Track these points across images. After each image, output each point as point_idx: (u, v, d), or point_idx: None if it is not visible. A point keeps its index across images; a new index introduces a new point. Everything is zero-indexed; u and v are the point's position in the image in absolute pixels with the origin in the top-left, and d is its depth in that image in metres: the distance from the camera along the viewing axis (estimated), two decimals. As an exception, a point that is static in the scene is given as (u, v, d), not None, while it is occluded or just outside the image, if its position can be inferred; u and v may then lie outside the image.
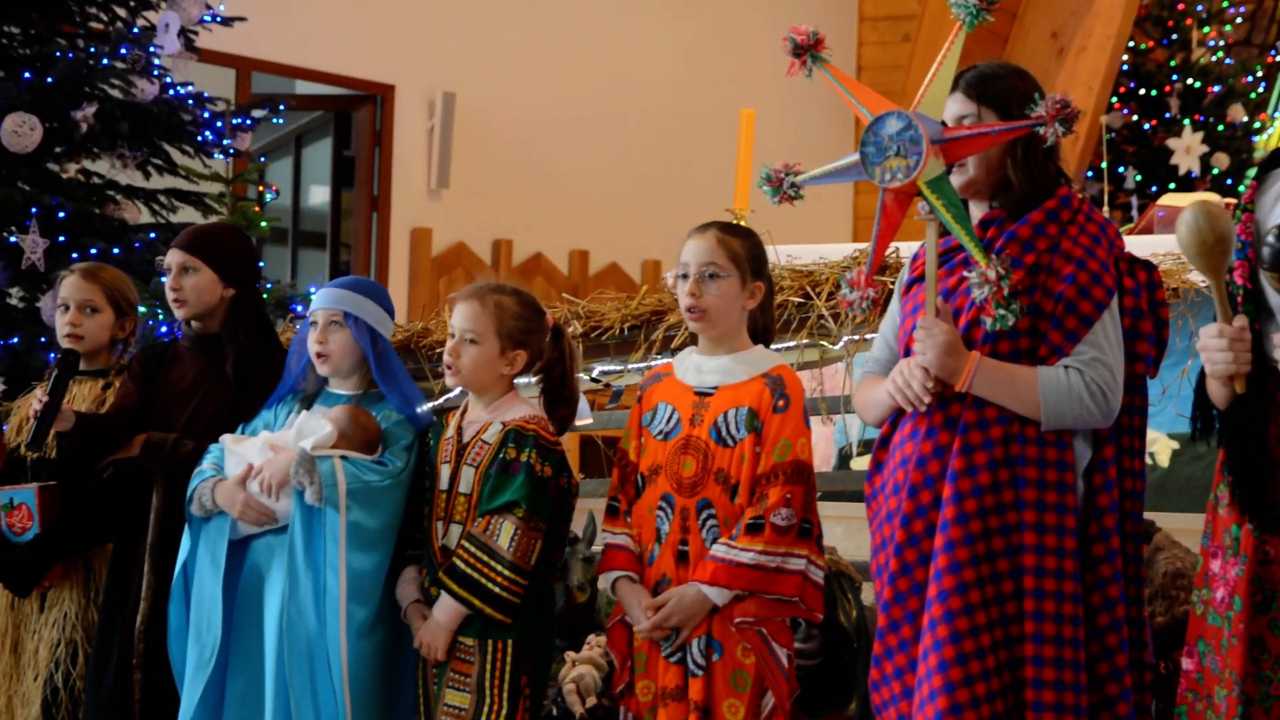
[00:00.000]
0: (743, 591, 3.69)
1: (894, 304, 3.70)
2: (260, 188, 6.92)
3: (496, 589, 3.80)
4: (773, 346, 4.01)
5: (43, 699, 4.43)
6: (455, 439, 3.99)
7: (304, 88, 11.37)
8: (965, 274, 3.39)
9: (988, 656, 3.30)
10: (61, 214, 6.81)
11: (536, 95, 11.68)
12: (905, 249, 4.14)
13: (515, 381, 4.03)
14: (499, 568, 3.80)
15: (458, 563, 3.84)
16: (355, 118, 11.27)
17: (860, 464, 6.45)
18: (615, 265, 12.01)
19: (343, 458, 3.95)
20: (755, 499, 3.70)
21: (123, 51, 7.14)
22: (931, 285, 3.42)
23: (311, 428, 4.00)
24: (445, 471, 3.97)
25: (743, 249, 3.83)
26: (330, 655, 3.84)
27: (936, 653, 3.30)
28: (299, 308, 6.62)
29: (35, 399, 4.23)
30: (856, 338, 4.64)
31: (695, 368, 3.89)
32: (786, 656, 3.74)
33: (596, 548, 4.43)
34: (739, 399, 3.78)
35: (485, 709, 3.80)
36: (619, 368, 5.14)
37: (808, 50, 3.58)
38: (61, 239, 6.81)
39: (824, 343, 4.77)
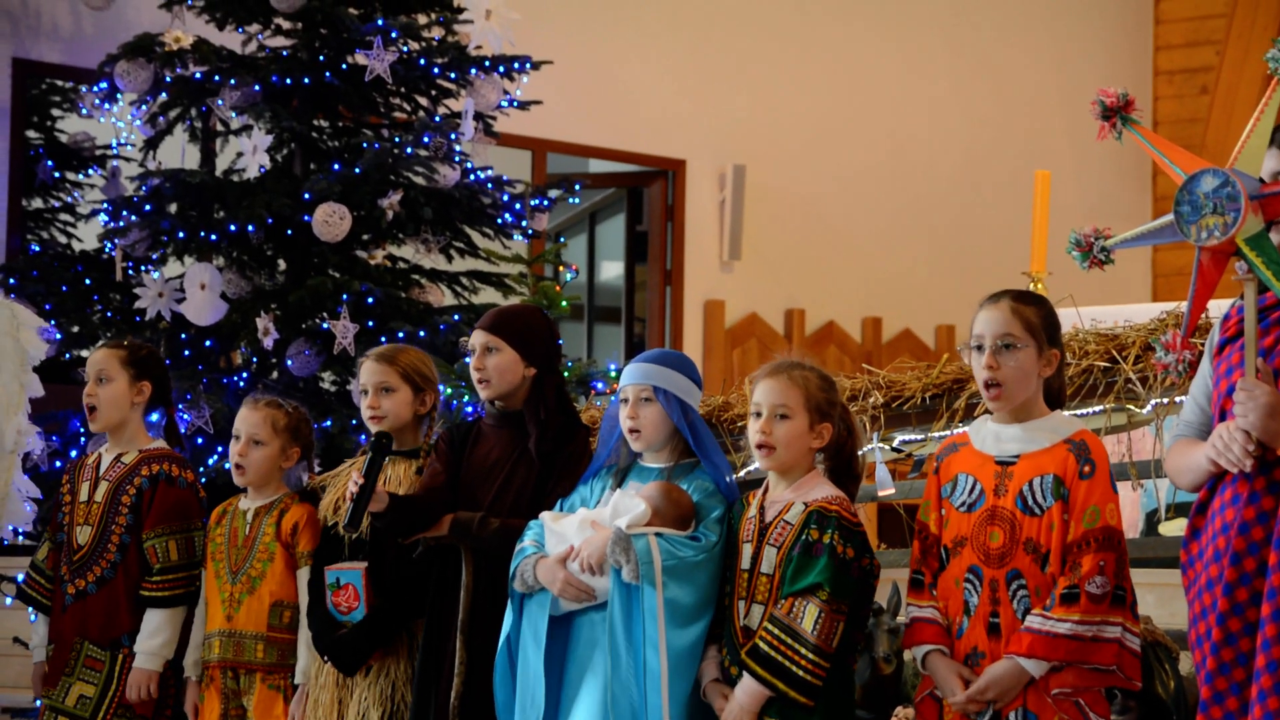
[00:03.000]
0: (1059, 662, 3.61)
1: (1204, 365, 3.60)
2: (559, 267, 7.06)
3: (800, 672, 3.78)
4: (1078, 412, 3.93)
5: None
6: (758, 518, 3.98)
7: (597, 166, 11.55)
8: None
9: (1321, 729, 3.17)
10: (370, 299, 7.02)
11: (825, 164, 11.69)
12: (1214, 308, 4.03)
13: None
14: (803, 650, 3.78)
15: (761, 644, 3.82)
16: (647, 193, 11.41)
17: (1170, 529, 6.26)
18: (909, 331, 11.91)
19: (657, 534, 3.97)
20: (1068, 568, 3.62)
21: (425, 139, 7.36)
22: (1251, 345, 3.31)
23: (626, 506, 4.03)
24: (747, 550, 3.96)
25: (1037, 317, 3.77)
26: (655, 732, 3.86)
27: (1268, 727, 3.18)
28: (599, 385, 6.72)
29: (351, 481, 4.34)
30: (1165, 401, 4.51)
31: (994, 436, 3.82)
32: (1104, 728, 3.64)
33: (901, 619, 4.37)
34: (1043, 467, 3.70)
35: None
36: (920, 437, 5.08)
37: (1117, 112, 3.52)
38: (370, 324, 7.02)
39: (1131, 407, 4.66)
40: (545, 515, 4.19)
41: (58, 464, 5.23)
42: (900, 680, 4.87)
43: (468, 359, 4.54)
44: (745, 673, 3.83)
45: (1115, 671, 3.64)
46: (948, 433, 4.81)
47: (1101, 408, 4.59)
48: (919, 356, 10.79)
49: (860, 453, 4.13)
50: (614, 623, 3.92)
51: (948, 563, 3.80)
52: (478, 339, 4.48)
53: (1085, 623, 3.58)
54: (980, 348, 3.76)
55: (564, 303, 6.96)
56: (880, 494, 4.95)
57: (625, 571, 3.92)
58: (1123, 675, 3.65)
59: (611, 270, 12.13)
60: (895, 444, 5.20)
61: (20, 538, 5.17)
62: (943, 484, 3.87)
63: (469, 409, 6.22)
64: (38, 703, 5.00)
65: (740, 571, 3.95)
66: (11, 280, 7.87)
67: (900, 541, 7.54)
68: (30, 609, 5.08)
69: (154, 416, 5.21)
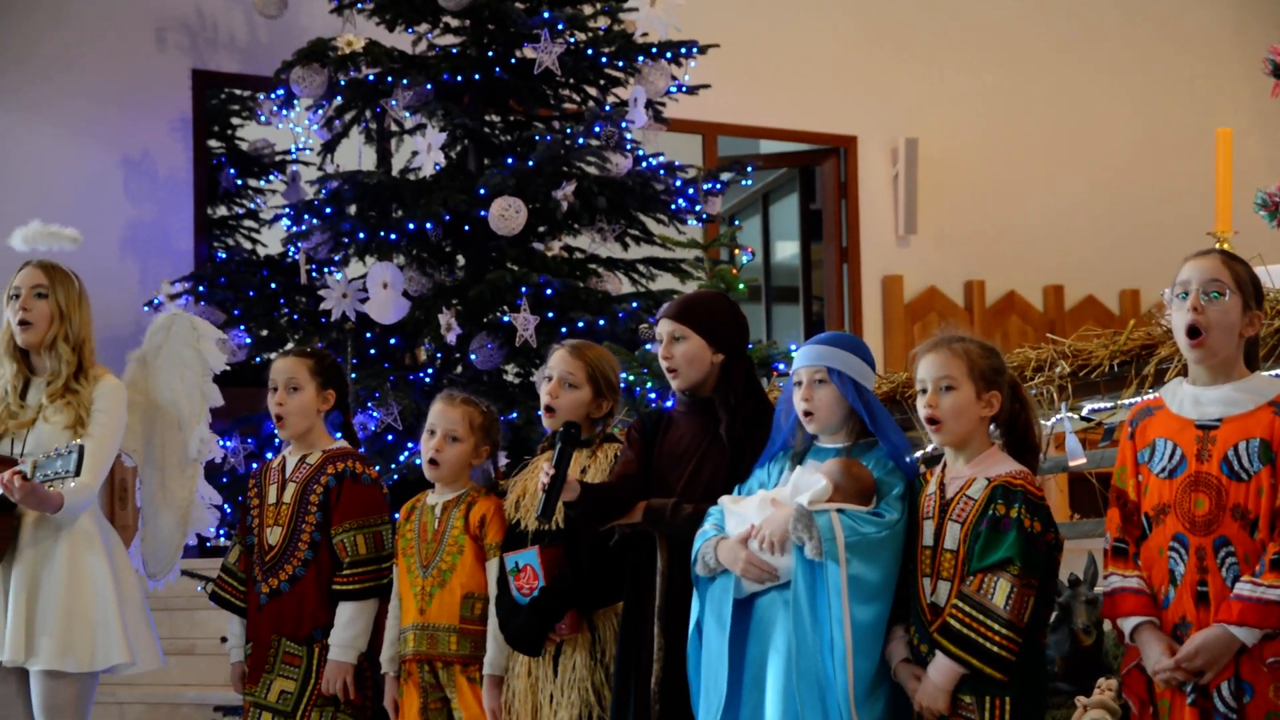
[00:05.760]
0: (1272, 630, 3.52)
1: None
2: (735, 250, 7.06)
3: (994, 648, 3.73)
4: (1274, 372, 3.83)
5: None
6: (938, 494, 3.94)
7: (768, 146, 11.54)
8: None
9: None
10: (549, 290, 7.06)
11: (998, 132, 11.56)
12: None
13: None
14: (995, 626, 3.73)
15: (952, 622, 3.79)
16: (820, 171, 11.37)
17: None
18: (1092, 298, 11.74)
19: (839, 510, 3.95)
20: (1278, 533, 3.54)
21: (596, 129, 7.40)
22: None
23: (806, 483, 4.01)
24: (929, 527, 3.92)
25: (1246, 274, 3.69)
26: (841, 709, 3.85)
27: None
28: (779, 365, 6.70)
29: (542, 472, 4.37)
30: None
31: (1193, 400, 3.74)
32: (1319, 696, 3.56)
33: (1099, 589, 4.30)
34: (1249, 430, 3.62)
35: (985, 765, 3.75)
36: (1109, 405, 4.99)
37: (1289, 69, 3.43)
38: (550, 315, 7.07)
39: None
40: (725, 499, 4.19)
41: (254, 465, 5.34)
42: (1101, 651, 4.80)
43: (649, 346, 4.55)
44: (938, 651, 3.80)
45: (1332, 638, 3.55)
46: (1138, 399, 4.72)
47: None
48: (1104, 323, 10.62)
49: (1040, 423, 4.07)
50: (798, 599, 3.91)
51: (1150, 531, 3.73)
52: (664, 328, 4.48)
53: (1297, 589, 3.50)
54: (1185, 294, 3.69)
55: (741, 285, 6.94)
56: (1071, 464, 4.87)
57: (808, 548, 3.90)
58: (1340, 641, 3.56)
59: (786, 250, 12.11)
60: (1084, 413, 5.12)
61: (222, 538, 5.28)
62: (1139, 449, 3.80)
63: (651, 396, 6.23)
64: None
65: (923, 548, 3.92)
66: (200, 287, 8.05)
67: (1094, 511, 7.44)
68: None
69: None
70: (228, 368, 5.28)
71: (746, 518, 4.06)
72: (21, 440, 4.83)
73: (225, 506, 5.46)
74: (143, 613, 4.94)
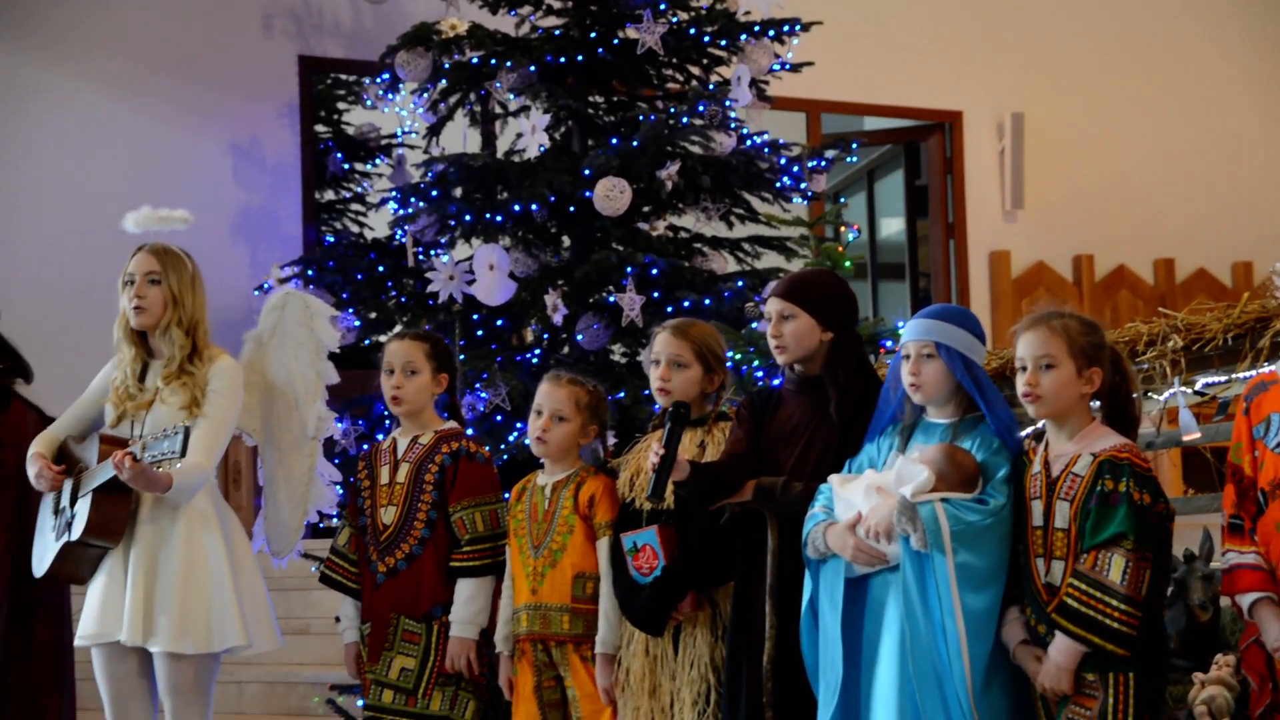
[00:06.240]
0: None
1: None
2: (841, 227, 7.03)
3: (1113, 624, 3.71)
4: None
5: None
6: (1043, 474, 3.92)
7: (872, 123, 11.49)
8: None
9: None
10: (654, 270, 7.07)
11: (1105, 104, 11.44)
12: None
13: None
14: (1113, 602, 3.71)
15: (1070, 601, 3.76)
16: (925, 147, 11.31)
17: None
18: (1203, 271, 11.60)
19: (943, 499, 3.94)
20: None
21: (700, 108, 7.39)
22: None
23: (909, 473, 3.99)
24: (1037, 508, 3.90)
25: None
26: (960, 697, 3.83)
27: None
28: (887, 343, 6.67)
29: (651, 452, 4.38)
30: None
31: (1309, 374, 3.70)
32: None
33: (1215, 564, 4.26)
34: (1369, 402, 3.57)
35: (1111, 742, 3.72)
36: (1224, 379, 4.93)
37: None
38: (656, 294, 7.07)
39: None
40: (834, 478, 4.19)
41: (364, 446, 5.39)
42: (1218, 627, 4.76)
43: (755, 325, 4.54)
44: (1057, 631, 3.78)
45: None
46: (1252, 373, 4.67)
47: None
48: (1216, 296, 10.47)
49: (1140, 396, 4.03)
50: (908, 589, 3.90)
51: (1266, 506, 3.69)
52: (773, 306, 4.47)
53: None
54: None
55: (847, 263, 6.91)
56: (1185, 439, 4.83)
57: (913, 540, 3.89)
58: None
59: (892, 226, 12.05)
60: (1198, 387, 5.06)
61: (335, 519, 5.33)
62: (1254, 425, 3.76)
63: (758, 375, 6.23)
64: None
65: (1033, 529, 3.90)
66: (310, 271, 8.13)
67: (1208, 486, 7.35)
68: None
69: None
70: (338, 349, 5.33)
71: (853, 504, 4.06)
72: (140, 422, 4.91)
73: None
74: (260, 594, 5.00)
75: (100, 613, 4.84)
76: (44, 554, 4.98)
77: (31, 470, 4.96)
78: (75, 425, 5.07)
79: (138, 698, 4.95)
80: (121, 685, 4.94)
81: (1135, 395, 3.99)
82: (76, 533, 4.80)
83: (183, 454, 4.50)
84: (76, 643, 4.93)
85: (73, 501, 4.85)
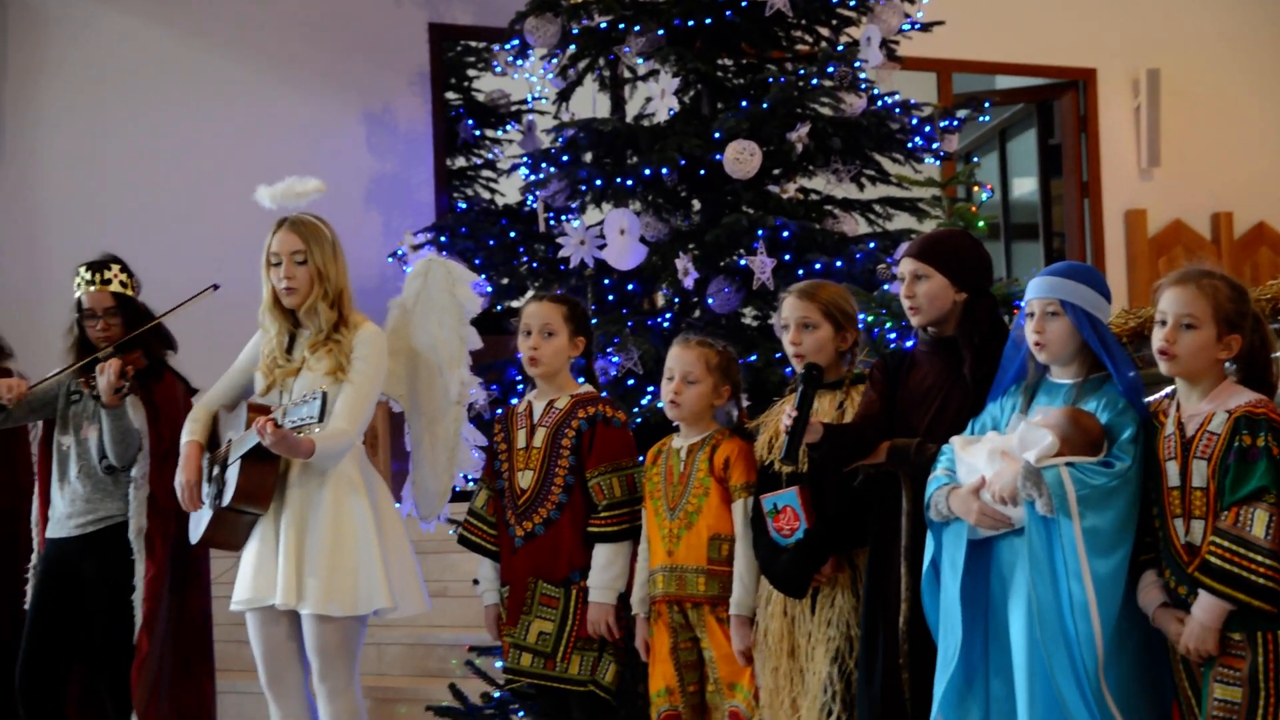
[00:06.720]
0: None
1: None
2: (974, 187, 6.96)
3: (1259, 579, 3.66)
4: None
5: (822, 699, 4.59)
6: (1177, 434, 3.87)
7: (1003, 82, 11.38)
8: None
9: None
10: (785, 233, 7.05)
11: (1242, 59, 11.25)
12: None
13: None
14: (1258, 558, 3.66)
15: (1212, 559, 3.72)
16: (1058, 105, 11.19)
17: None
18: (1348, 227, 11.39)
19: (1068, 464, 3.90)
20: None
21: (830, 70, 7.34)
22: None
23: (1033, 438, 3.95)
24: (1172, 468, 3.86)
25: None
26: (1086, 663, 3.80)
27: None
28: (1021, 304, 6.61)
29: (784, 415, 4.39)
30: None
31: None
32: None
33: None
34: None
35: (1261, 702, 3.68)
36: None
37: None
38: (787, 257, 7.05)
39: None
40: (955, 440, 4.17)
41: (498, 411, 5.44)
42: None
43: (887, 287, 4.52)
44: (1201, 590, 3.73)
45: None
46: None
47: None
48: (1360, 253, 10.33)
49: (1277, 356, 3.96)
50: (1034, 554, 3.88)
51: None
52: (906, 266, 4.46)
53: None
54: None
55: (980, 223, 6.85)
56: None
57: (1039, 505, 3.87)
58: None
59: (1025, 186, 11.94)
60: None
61: (470, 483, 5.39)
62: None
63: (890, 336, 6.20)
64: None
65: (1169, 490, 3.86)
66: (443, 238, 8.19)
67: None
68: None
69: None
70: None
71: (976, 468, 4.04)
72: (288, 390, 4.99)
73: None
74: (407, 557, 5.07)
75: (254, 578, 4.94)
76: (199, 522, 5.08)
77: (179, 478, 5.05)
78: (226, 395, 5.18)
79: (290, 660, 5.05)
80: (275, 648, 5.04)
81: (1276, 356, 3.93)
82: (227, 499, 4.90)
83: (320, 418, 4.57)
84: (231, 608, 5.03)
85: (224, 469, 4.94)
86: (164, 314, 5.64)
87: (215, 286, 5.48)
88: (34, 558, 5.87)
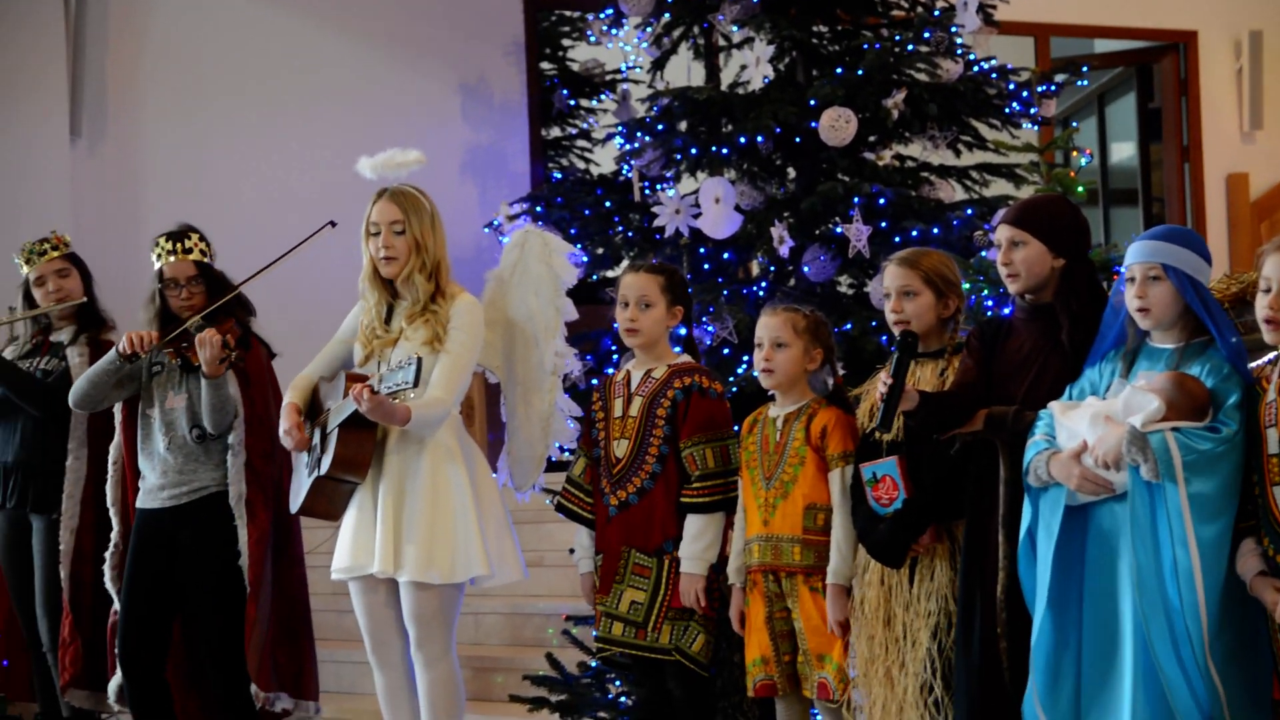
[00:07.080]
0: None
1: None
2: (1073, 152, 6.89)
3: (1359, 549, 3.63)
4: None
5: (923, 676, 4.58)
6: (1278, 400, 3.82)
7: (1102, 46, 11.25)
8: None
9: None
10: (881, 200, 7.01)
11: (1351, 18, 11.05)
12: None
13: None
14: (1358, 526, 3.62)
15: (1311, 527, 3.69)
16: (1158, 69, 11.05)
17: None
18: None
19: (1173, 429, 3.86)
20: None
21: (926, 35, 7.29)
22: None
23: (1138, 403, 3.92)
24: (1273, 435, 3.81)
25: None
26: (1190, 630, 3.77)
27: None
28: (1121, 270, 6.54)
29: (880, 382, 4.38)
30: None
31: None
32: None
33: None
34: None
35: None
36: None
37: None
38: (883, 225, 7.02)
39: None
40: (1054, 405, 4.14)
41: (594, 381, 5.46)
42: None
43: (984, 253, 4.50)
44: (1306, 556, 3.70)
45: None
46: None
47: None
48: None
49: None
50: (1138, 520, 3.85)
51: None
52: (1003, 233, 4.43)
53: None
54: None
55: (1079, 188, 6.78)
56: None
57: (1144, 470, 3.83)
58: None
59: (1124, 151, 11.80)
60: None
61: (565, 454, 5.41)
62: None
63: (988, 304, 6.16)
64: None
65: (1269, 457, 3.81)
66: (538, 208, 8.22)
67: None
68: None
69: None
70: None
71: (1077, 433, 4.01)
72: (386, 360, 5.03)
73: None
74: (504, 526, 5.10)
75: (353, 546, 5.00)
76: (299, 490, 5.14)
77: (282, 425, 5.11)
78: (326, 366, 5.24)
79: (391, 628, 5.10)
80: (376, 616, 5.10)
81: None
82: (325, 467, 4.95)
83: (415, 383, 4.60)
84: (332, 576, 5.09)
85: (323, 438, 5.00)
86: (284, 254, 5.62)
87: (333, 224, 5.48)
88: (114, 530, 5.91)
